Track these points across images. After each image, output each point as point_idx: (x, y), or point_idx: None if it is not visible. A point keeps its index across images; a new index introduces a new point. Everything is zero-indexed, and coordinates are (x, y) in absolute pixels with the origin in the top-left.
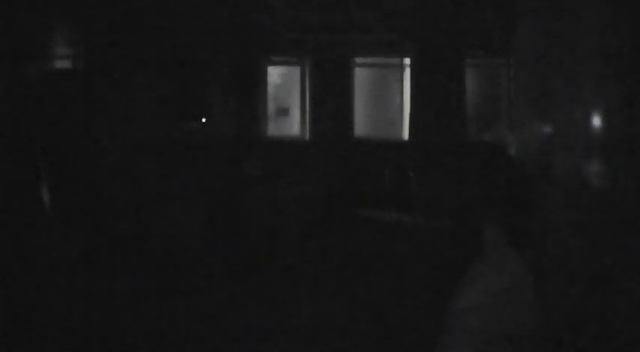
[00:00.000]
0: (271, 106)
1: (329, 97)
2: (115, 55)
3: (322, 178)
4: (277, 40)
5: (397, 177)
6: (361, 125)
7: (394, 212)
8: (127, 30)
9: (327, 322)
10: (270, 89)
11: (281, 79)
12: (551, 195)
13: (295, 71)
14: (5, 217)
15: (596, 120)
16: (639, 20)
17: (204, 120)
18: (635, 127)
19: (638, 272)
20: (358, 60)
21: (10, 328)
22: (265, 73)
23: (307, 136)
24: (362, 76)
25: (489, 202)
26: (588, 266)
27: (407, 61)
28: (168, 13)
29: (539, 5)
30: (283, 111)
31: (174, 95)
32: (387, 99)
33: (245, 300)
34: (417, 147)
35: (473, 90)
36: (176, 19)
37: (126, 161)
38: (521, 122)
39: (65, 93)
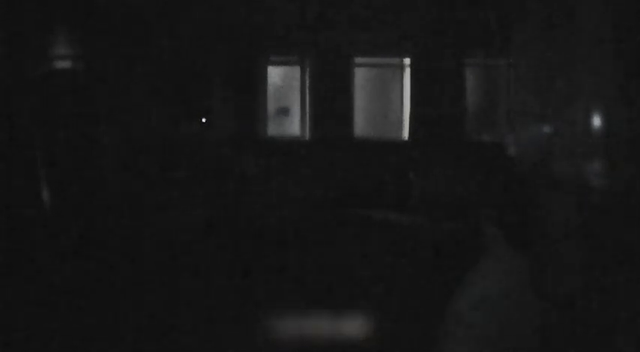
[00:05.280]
0: (271, 106)
1: (329, 97)
2: (115, 55)
3: (322, 178)
4: (277, 40)
5: (397, 177)
6: (361, 125)
7: (394, 212)
8: (127, 30)
9: (327, 322)
10: (270, 89)
11: (281, 79)
12: (551, 195)
13: (295, 71)
14: (5, 217)
15: (596, 120)
16: (638, 20)
17: (204, 120)
18: (635, 127)
19: (638, 272)
20: (358, 60)
21: (10, 328)
22: (265, 73)
23: (307, 136)
24: (362, 76)
25: (489, 202)
26: (588, 266)
27: (407, 61)
28: (168, 13)
29: (539, 5)
30: (283, 111)
31: (174, 95)
32: (387, 99)
33: (245, 300)
34: (417, 147)
35: (473, 90)
36: (176, 19)
37: (126, 161)
38: (521, 122)
39: (65, 93)
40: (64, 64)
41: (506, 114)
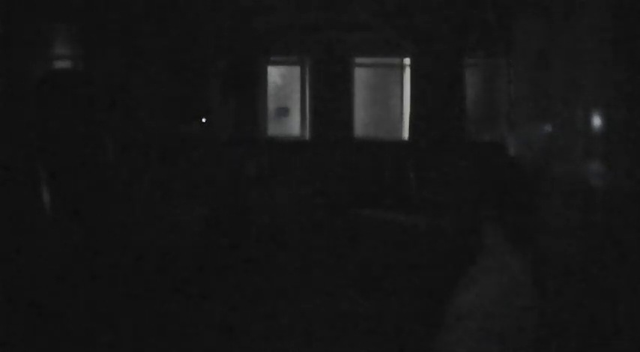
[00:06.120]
0: (271, 106)
1: (329, 97)
2: (115, 55)
3: (322, 178)
4: (277, 40)
5: (397, 177)
6: (361, 125)
7: (394, 212)
8: (127, 30)
9: (327, 321)
10: (270, 89)
11: (281, 79)
12: (551, 195)
13: (295, 71)
14: (5, 217)
15: (596, 120)
16: (638, 20)
17: (204, 120)
18: (635, 127)
19: (638, 272)
20: (358, 60)
21: (10, 328)
22: (265, 73)
23: (307, 136)
24: (362, 76)
25: (489, 202)
26: (588, 266)
27: (407, 61)
28: (168, 13)
29: (539, 5)
30: (283, 111)
31: (174, 95)
32: (387, 99)
33: (245, 300)
34: (417, 147)
35: (473, 90)
36: (176, 19)
37: (126, 161)
38: (521, 122)
39: (65, 93)
40: (64, 64)
41: (506, 114)
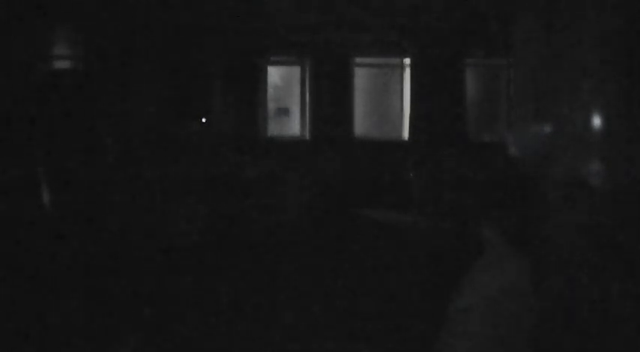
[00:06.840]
0: (271, 106)
1: (329, 97)
2: (115, 55)
3: (322, 178)
4: (277, 40)
5: (397, 177)
6: (361, 125)
7: (394, 212)
8: (127, 30)
9: (327, 322)
10: (270, 89)
11: (281, 79)
12: (551, 195)
13: (295, 71)
14: (5, 217)
15: (596, 120)
16: (639, 20)
17: (204, 120)
18: (635, 127)
19: (638, 272)
20: (358, 60)
21: (10, 328)
22: (265, 73)
23: (307, 136)
24: (362, 76)
25: (489, 202)
26: (588, 266)
27: (407, 61)
28: (169, 13)
29: (539, 5)
30: (283, 111)
31: (174, 95)
32: (387, 99)
33: (245, 300)
34: (417, 147)
35: (473, 91)
36: (176, 19)
37: (126, 161)
38: (521, 122)
39: (65, 93)
40: (64, 64)
41: (506, 114)
